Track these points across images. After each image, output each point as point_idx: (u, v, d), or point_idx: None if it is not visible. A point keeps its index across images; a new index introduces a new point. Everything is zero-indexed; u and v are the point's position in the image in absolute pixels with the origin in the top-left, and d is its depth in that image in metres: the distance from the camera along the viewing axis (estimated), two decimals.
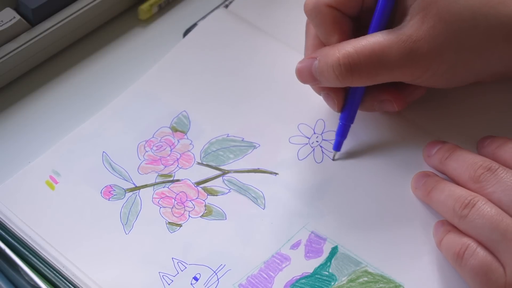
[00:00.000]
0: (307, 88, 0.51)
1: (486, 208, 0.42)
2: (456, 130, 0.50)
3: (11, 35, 0.53)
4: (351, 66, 0.45)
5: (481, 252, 0.42)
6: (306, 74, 0.47)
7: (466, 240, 0.42)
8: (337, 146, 0.49)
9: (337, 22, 0.47)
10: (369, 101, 0.48)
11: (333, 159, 0.49)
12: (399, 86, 0.48)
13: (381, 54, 0.44)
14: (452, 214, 0.44)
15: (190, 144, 0.51)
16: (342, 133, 0.49)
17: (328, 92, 0.48)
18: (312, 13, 0.47)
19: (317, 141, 0.50)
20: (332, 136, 0.50)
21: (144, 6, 0.57)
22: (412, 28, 0.44)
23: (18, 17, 0.53)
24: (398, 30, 0.45)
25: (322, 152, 0.50)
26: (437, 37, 0.44)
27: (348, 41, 0.46)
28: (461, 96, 0.51)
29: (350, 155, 0.49)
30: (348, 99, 0.48)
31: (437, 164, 0.47)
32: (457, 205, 0.43)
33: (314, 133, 0.51)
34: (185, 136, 0.51)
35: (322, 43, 0.48)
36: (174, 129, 0.51)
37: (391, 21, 0.46)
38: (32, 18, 0.54)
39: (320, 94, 0.49)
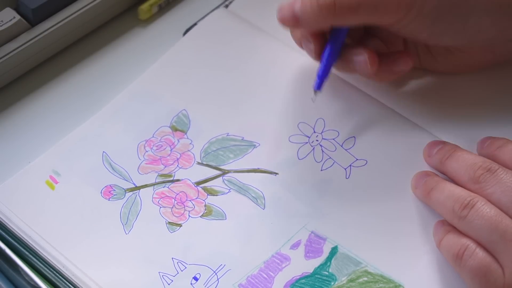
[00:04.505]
0: (307, 87, 0.50)
1: (485, 209, 0.41)
2: (456, 130, 0.49)
3: (11, 35, 0.52)
4: None
5: (480, 253, 0.41)
6: (288, 14, 0.45)
7: (465, 241, 0.41)
8: (319, 86, 0.47)
9: None
10: (345, 56, 0.46)
11: (313, 101, 0.48)
12: (382, 54, 0.46)
13: None
14: (451, 215, 0.42)
15: (190, 143, 0.50)
16: (324, 72, 0.47)
17: (307, 38, 0.46)
18: None
19: (317, 140, 0.49)
20: (332, 135, 0.49)
21: (144, 6, 0.56)
22: None
23: (18, 17, 0.52)
24: None
25: (322, 151, 0.49)
26: None
27: None
28: (462, 95, 0.50)
29: (350, 154, 0.48)
30: (330, 37, 0.46)
31: (437, 164, 0.46)
32: (456, 206, 0.42)
33: (314, 132, 0.49)
34: (185, 136, 0.50)
35: None
36: (174, 128, 0.50)
37: None
38: (32, 18, 0.53)
39: (301, 46, 0.47)
